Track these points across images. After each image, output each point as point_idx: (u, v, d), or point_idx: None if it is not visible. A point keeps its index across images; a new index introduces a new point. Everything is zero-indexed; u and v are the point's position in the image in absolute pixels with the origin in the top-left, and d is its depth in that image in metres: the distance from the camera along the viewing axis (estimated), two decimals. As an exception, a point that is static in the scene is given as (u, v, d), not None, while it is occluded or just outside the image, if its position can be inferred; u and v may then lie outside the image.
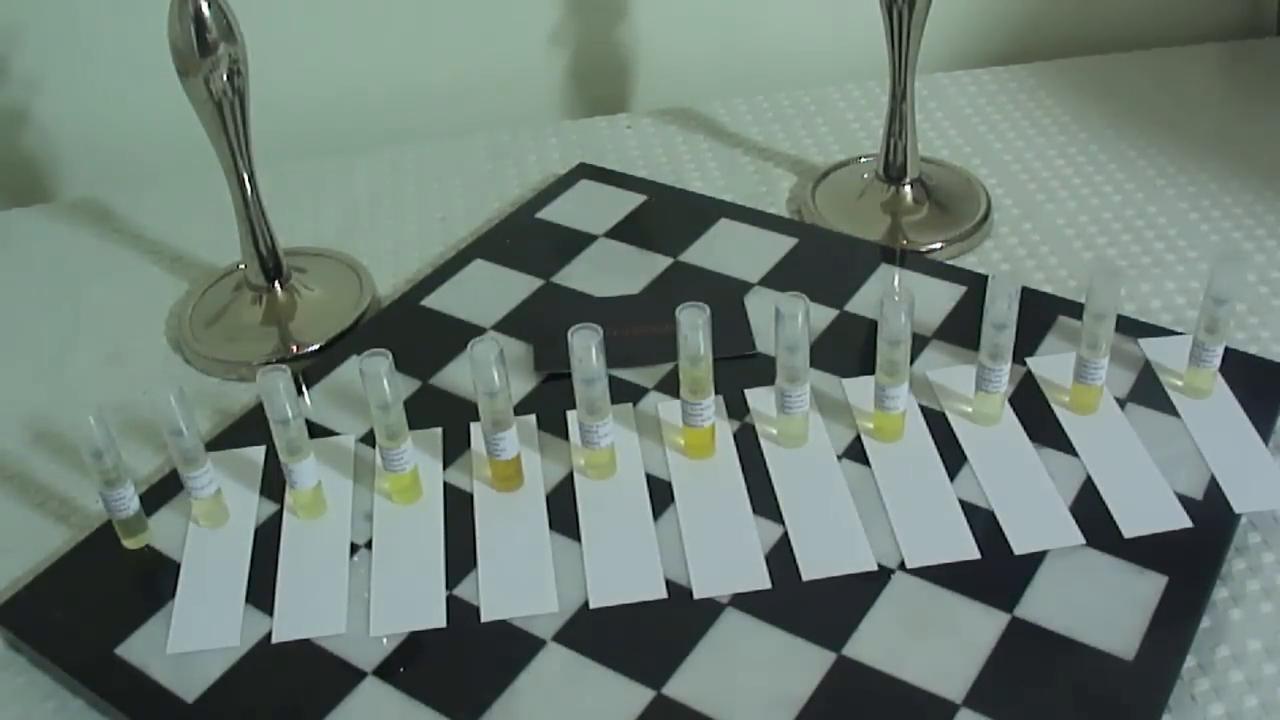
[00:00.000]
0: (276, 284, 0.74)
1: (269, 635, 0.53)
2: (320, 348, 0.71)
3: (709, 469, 0.60)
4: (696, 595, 0.54)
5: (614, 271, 0.73)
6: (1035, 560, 0.54)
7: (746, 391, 0.63)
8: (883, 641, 0.51)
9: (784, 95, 0.94)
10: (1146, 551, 0.54)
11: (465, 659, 0.52)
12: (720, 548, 0.56)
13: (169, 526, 0.59)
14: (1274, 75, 0.93)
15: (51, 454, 0.65)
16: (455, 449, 0.62)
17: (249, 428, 0.64)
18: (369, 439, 0.62)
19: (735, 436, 0.61)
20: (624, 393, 0.64)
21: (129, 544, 0.58)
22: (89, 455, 0.55)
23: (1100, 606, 0.52)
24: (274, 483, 0.60)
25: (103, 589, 0.56)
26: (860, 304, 0.69)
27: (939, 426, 0.61)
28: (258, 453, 0.62)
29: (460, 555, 0.56)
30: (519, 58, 0.96)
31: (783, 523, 0.57)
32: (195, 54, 0.64)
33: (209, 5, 0.64)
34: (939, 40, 0.94)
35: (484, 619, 0.53)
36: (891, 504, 0.57)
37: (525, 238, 0.77)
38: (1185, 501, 0.56)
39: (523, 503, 0.59)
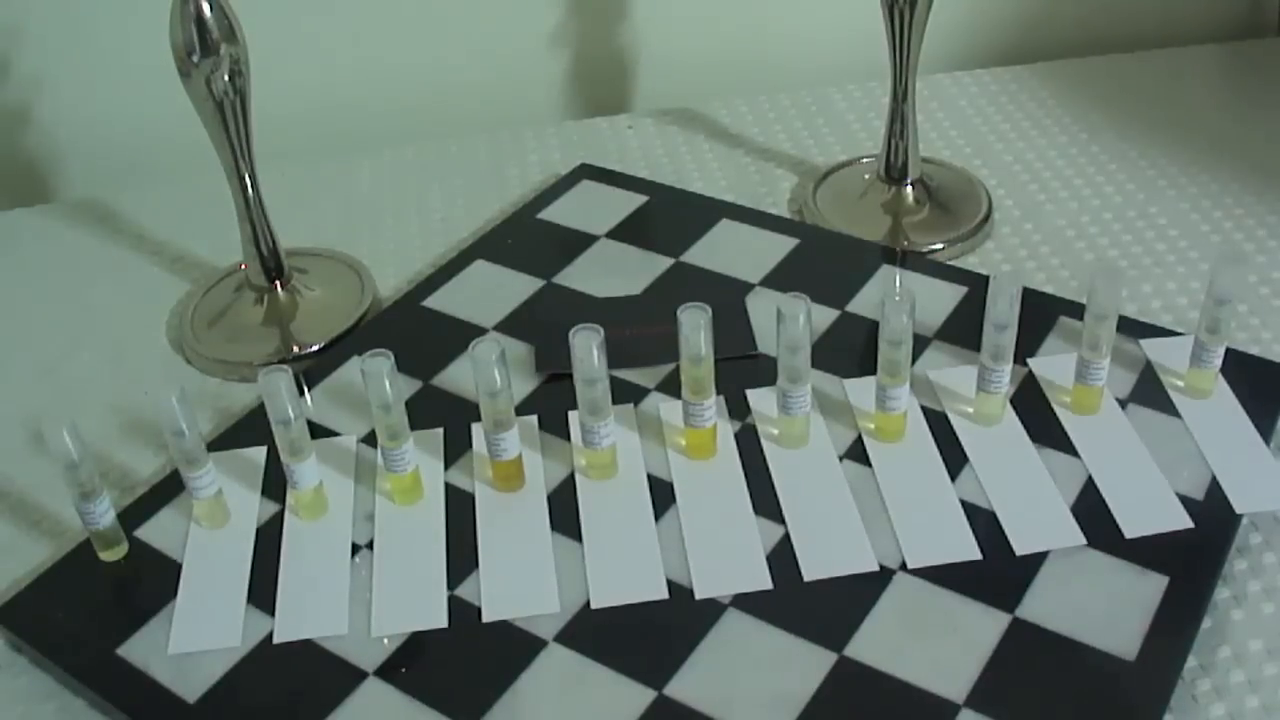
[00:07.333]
0: (278, 284, 0.74)
1: (270, 636, 0.53)
2: (322, 348, 0.71)
3: (710, 469, 0.60)
4: (698, 595, 0.54)
5: (615, 272, 0.73)
6: (1036, 561, 0.54)
7: (748, 392, 0.63)
8: (884, 642, 0.51)
9: (785, 95, 0.94)
10: (1148, 552, 0.54)
11: (467, 659, 0.52)
12: (721, 548, 0.56)
13: (170, 527, 0.59)
14: (1274, 75, 0.93)
15: (52, 454, 0.65)
16: (456, 449, 0.62)
17: (250, 428, 0.64)
18: (370, 439, 0.62)
19: (736, 437, 0.61)
20: (625, 393, 0.64)
21: (105, 556, 0.57)
22: (64, 467, 0.54)
23: (1101, 607, 0.52)
24: (275, 483, 0.60)
25: (104, 590, 0.56)
26: (861, 304, 0.69)
27: (940, 427, 0.61)
28: (259, 453, 0.62)
29: (461, 556, 0.56)
30: (520, 58, 0.96)
31: (784, 523, 0.57)
32: (197, 54, 0.64)
33: (210, 6, 0.64)
34: (940, 40, 0.94)
35: (485, 619, 0.53)
36: (893, 504, 0.57)
37: (526, 238, 0.77)
38: (1186, 502, 0.56)
39: (524, 503, 0.59)
